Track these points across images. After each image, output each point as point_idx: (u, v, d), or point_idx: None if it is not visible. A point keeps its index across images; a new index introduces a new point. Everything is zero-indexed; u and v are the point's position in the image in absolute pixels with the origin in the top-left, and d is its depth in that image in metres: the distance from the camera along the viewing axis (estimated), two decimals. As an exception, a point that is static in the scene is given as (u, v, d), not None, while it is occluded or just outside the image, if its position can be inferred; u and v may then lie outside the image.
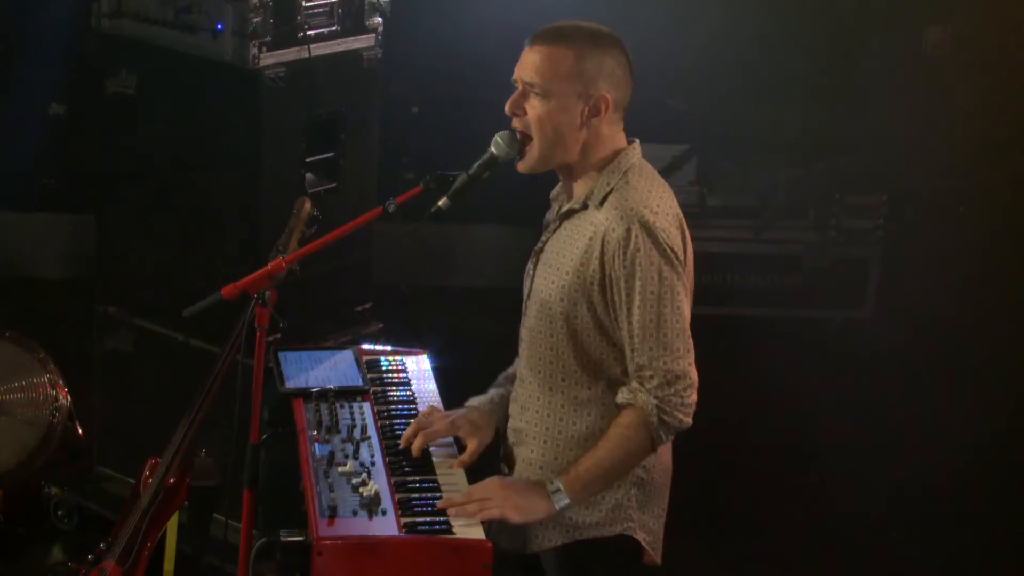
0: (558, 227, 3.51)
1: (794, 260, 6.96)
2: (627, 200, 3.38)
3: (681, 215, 3.50)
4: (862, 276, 6.99)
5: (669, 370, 3.35)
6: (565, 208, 3.49)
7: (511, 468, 3.57)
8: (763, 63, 6.93)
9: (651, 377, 3.35)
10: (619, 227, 3.35)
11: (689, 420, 3.39)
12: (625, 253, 3.34)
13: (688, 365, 3.37)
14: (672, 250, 3.36)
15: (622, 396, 3.40)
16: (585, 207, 3.44)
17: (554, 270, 3.47)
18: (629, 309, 3.35)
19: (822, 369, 6.41)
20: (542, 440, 3.50)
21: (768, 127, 6.91)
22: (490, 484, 3.42)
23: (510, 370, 3.71)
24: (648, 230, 3.34)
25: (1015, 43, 6.95)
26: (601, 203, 3.41)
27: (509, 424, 3.60)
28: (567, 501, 3.37)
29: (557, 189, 3.60)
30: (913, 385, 6.38)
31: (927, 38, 7.15)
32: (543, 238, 3.55)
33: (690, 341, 3.39)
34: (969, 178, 7.03)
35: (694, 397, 3.39)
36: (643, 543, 3.50)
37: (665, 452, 3.53)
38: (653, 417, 3.34)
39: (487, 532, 3.39)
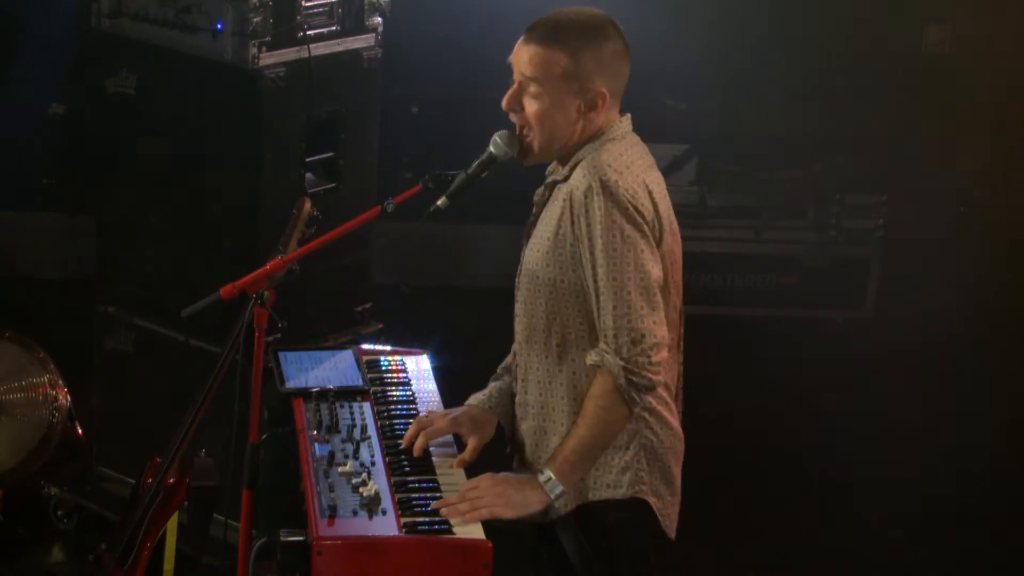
0: (546, 201, 3.52)
1: (794, 260, 6.96)
2: (593, 163, 3.39)
3: (659, 179, 3.49)
4: (862, 276, 6.98)
5: (633, 328, 3.33)
6: (550, 180, 3.51)
7: (520, 449, 3.59)
8: (763, 63, 6.93)
9: (615, 337, 3.34)
10: (582, 185, 3.36)
11: (658, 378, 3.37)
12: (587, 211, 3.35)
13: (652, 324, 3.34)
14: (635, 208, 3.35)
15: (591, 357, 3.40)
16: (567, 178, 3.46)
17: (537, 239, 3.48)
18: (594, 268, 3.35)
19: (822, 369, 6.41)
20: (538, 407, 3.52)
21: (768, 127, 6.91)
22: (482, 481, 3.42)
23: (507, 360, 3.71)
24: (607, 187, 3.33)
25: (1015, 43, 6.94)
26: (573, 168, 3.43)
27: (516, 400, 3.61)
28: (560, 488, 3.39)
29: (552, 166, 3.60)
30: (913, 385, 6.37)
31: (927, 38, 7.15)
32: (534, 212, 3.56)
33: (656, 299, 3.36)
34: (969, 178, 7.02)
35: (662, 355, 3.36)
36: (655, 508, 3.52)
37: (673, 418, 3.55)
38: (621, 379, 3.34)
39: None
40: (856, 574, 5.46)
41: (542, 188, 3.59)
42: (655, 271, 3.37)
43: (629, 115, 3.52)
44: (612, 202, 3.33)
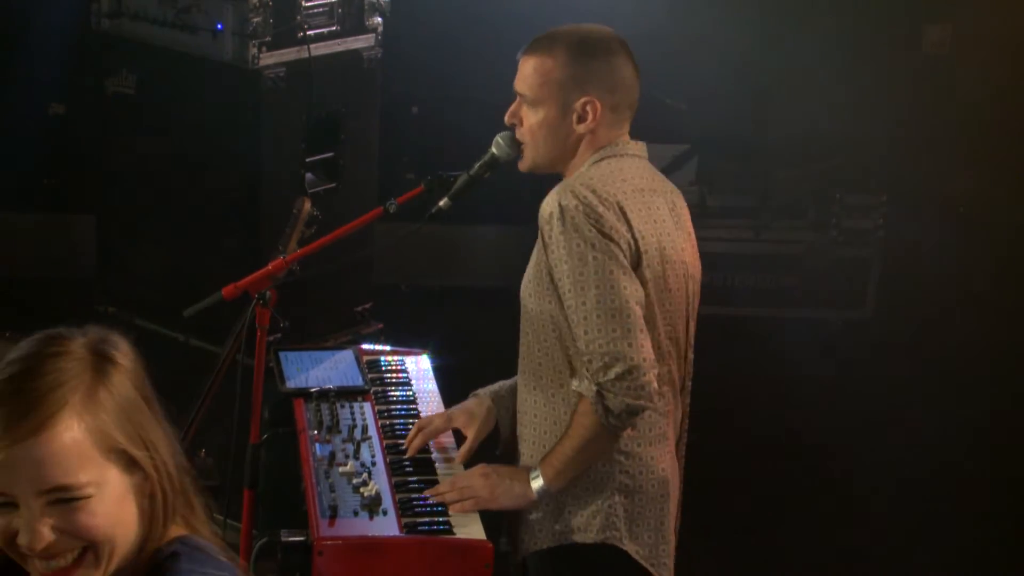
0: None
1: (794, 260, 6.96)
2: (567, 182, 3.32)
3: (642, 205, 3.34)
4: (862, 276, 6.98)
5: (606, 352, 3.22)
6: None
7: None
8: (763, 63, 6.93)
9: (589, 362, 3.25)
10: (547, 208, 3.29)
11: (640, 402, 3.24)
12: (552, 236, 3.27)
13: (628, 346, 3.21)
14: (599, 230, 3.24)
15: (574, 384, 3.34)
16: None
17: (529, 265, 3.42)
18: (564, 293, 3.27)
19: (822, 369, 6.41)
20: (531, 442, 3.47)
21: (768, 127, 6.91)
22: (473, 473, 3.41)
23: None
24: (566, 210, 3.23)
25: (1015, 43, 6.95)
26: None
27: (520, 434, 3.56)
28: (541, 483, 3.35)
29: None
30: (913, 385, 6.37)
31: (927, 37, 7.15)
32: None
33: (631, 320, 3.22)
34: (969, 178, 7.03)
35: (645, 378, 3.23)
36: (635, 556, 3.43)
37: (661, 461, 3.44)
38: (597, 405, 3.24)
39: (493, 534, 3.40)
40: (856, 574, 5.46)
41: None
42: (629, 290, 3.25)
43: (642, 144, 3.47)
44: (572, 225, 3.23)
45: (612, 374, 3.21)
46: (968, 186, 7.04)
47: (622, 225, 3.28)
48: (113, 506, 2.03)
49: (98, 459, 2.01)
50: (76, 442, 1.98)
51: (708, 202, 6.91)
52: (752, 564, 5.45)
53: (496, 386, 3.65)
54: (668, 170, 6.62)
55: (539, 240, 3.33)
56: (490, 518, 3.44)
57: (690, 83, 6.91)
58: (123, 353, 2.12)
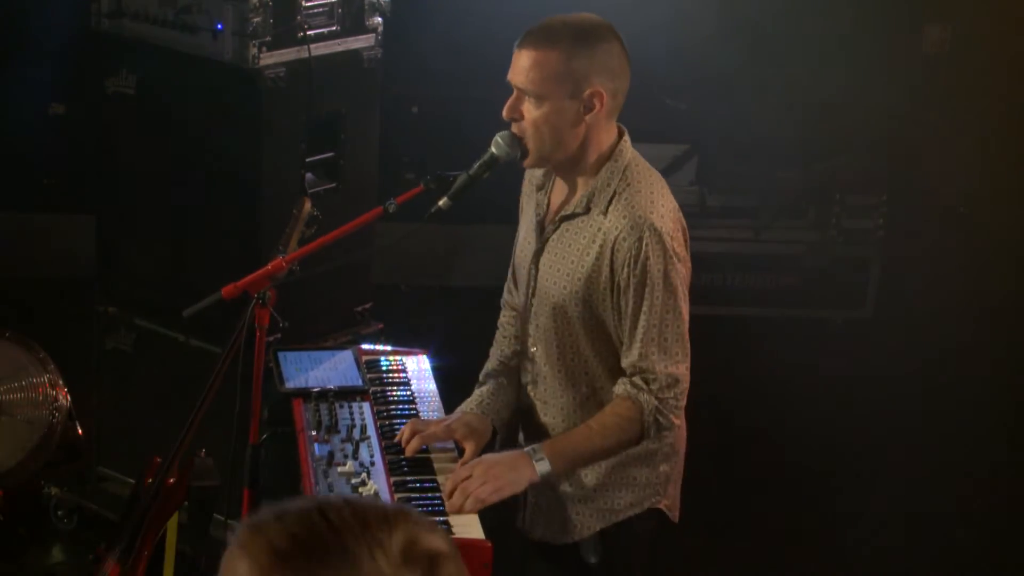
0: (557, 228, 3.50)
1: (794, 260, 6.96)
2: (635, 207, 3.38)
3: (678, 206, 3.51)
4: (862, 276, 6.98)
5: (670, 374, 3.41)
6: (568, 212, 3.48)
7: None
8: (763, 63, 6.93)
9: (654, 380, 3.41)
10: (630, 236, 3.36)
11: (679, 422, 3.50)
12: (636, 262, 3.35)
13: (685, 370, 3.45)
14: (677, 255, 3.40)
15: (622, 388, 3.44)
16: (587, 211, 3.43)
17: (564, 275, 3.47)
18: (636, 314, 3.38)
19: (822, 369, 6.41)
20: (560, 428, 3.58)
21: (768, 127, 6.90)
22: (476, 468, 3.42)
23: (489, 366, 3.74)
24: (658, 237, 3.36)
25: (1015, 43, 6.94)
26: (606, 208, 3.41)
27: (532, 419, 3.63)
28: (548, 468, 3.41)
29: (541, 178, 3.58)
30: (913, 385, 6.37)
31: (927, 37, 7.14)
32: (542, 237, 3.54)
33: (687, 345, 3.46)
34: (969, 178, 7.02)
35: (685, 400, 3.49)
36: (664, 509, 3.62)
37: (682, 424, 3.63)
38: (650, 416, 3.42)
39: (522, 525, 3.53)
40: (856, 574, 5.46)
41: (535, 199, 3.58)
42: (687, 314, 3.46)
43: (626, 132, 3.50)
44: (661, 251, 3.36)
45: (672, 393, 3.43)
46: (968, 186, 7.04)
47: (684, 239, 3.48)
48: None
49: None
50: None
51: (708, 202, 6.90)
52: (751, 564, 5.45)
53: (479, 396, 3.69)
54: (668, 170, 6.62)
55: (598, 258, 3.40)
56: (503, 505, 3.47)
57: (690, 83, 6.91)
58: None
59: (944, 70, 7.07)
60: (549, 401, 3.59)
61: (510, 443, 3.70)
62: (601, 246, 3.40)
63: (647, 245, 3.34)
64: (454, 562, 1.65)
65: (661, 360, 3.40)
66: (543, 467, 3.40)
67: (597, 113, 3.39)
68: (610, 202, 3.41)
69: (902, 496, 5.76)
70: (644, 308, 3.37)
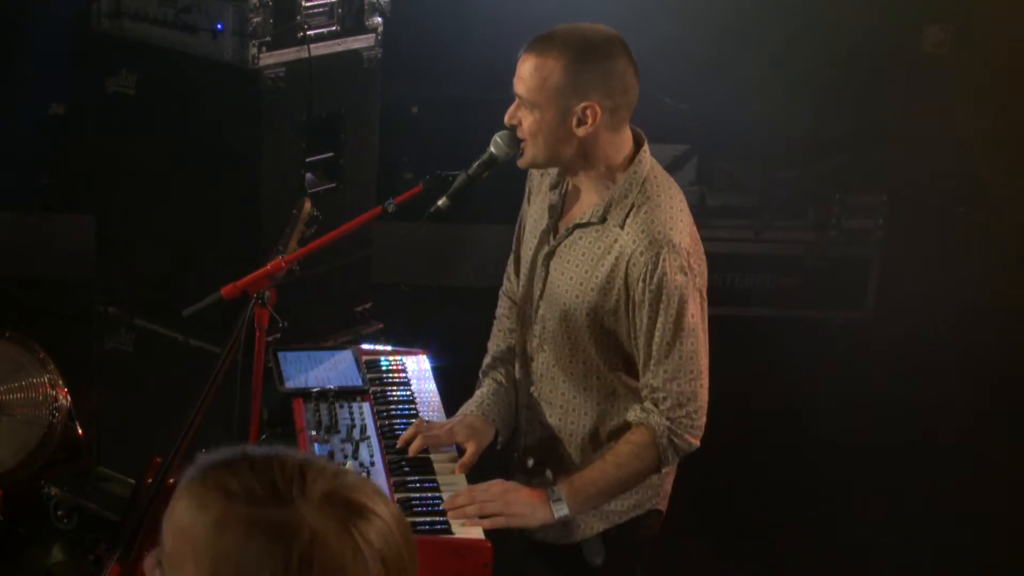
0: (569, 235, 3.49)
1: (794, 260, 6.96)
2: (654, 222, 3.36)
3: (693, 221, 3.49)
4: (862, 276, 6.98)
5: (681, 392, 3.37)
6: (584, 220, 3.47)
7: (549, 466, 3.62)
8: (763, 62, 6.93)
9: (664, 399, 3.38)
10: (648, 252, 3.33)
11: (697, 442, 3.43)
12: (652, 277, 3.32)
13: (700, 387, 3.39)
14: (695, 271, 3.37)
15: (634, 415, 3.44)
16: (603, 220, 3.43)
17: (576, 283, 3.45)
18: (650, 331, 3.36)
19: (822, 369, 6.41)
20: (579, 438, 3.56)
21: (768, 127, 6.91)
22: (492, 486, 3.42)
23: (486, 361, 3.74)
24: (676, 254, 3.33)
25: (1015, 43, 6.95)
26: (623, 221, 3.39)
27: (535, 419, 3.63)
28: (566, 512, 3.40)
29: (556, 177, 3.57)
30: (913, 385, 6.37)
31: (927, 37, 7.15)
32: (551, 242, 3.53)
33: (703, 362, 3.40)
34: (969, 178, 7.03)
35: (703, 420, 3.42)
36: (660, 509, 3.64)
37: None
38: (664, 438, 3.39)
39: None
40: (856, 573, 5.46)
41: (543, 196, 3.58)
42: (704, 330, 3.42)
43: (646, 142, 3.48)
44: (678, 269, 3.32)
45: (684, 411, 3.38)
46: (968, 185, 7.04)
47: (702, 254, 3.45)
48: None
49: None
50: None
51: (708, 202, 6.91)
52: (750, 564, 5.45)
53: (479, 397, 3.69)
54: (668, 170, 6.60)
55: (613, 271, 3.38)
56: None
57: (690, 83, 6.91)
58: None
59: (944, 69, 7.07)
60: (554, 402, 3.58)
61: (511, 443, 3.70)
62: (617, 258, 3.37)
63: (664, 261, 3.31)
64: (385, 521, 1.73)
65: (674, 378, 3.36)
66: (560, 510, 3.39)
67: (590, 128, 3.35)
68: (627, 215, 3.38)
69: (902, 496, 5.76)
70: (658, 324, 3.33)
